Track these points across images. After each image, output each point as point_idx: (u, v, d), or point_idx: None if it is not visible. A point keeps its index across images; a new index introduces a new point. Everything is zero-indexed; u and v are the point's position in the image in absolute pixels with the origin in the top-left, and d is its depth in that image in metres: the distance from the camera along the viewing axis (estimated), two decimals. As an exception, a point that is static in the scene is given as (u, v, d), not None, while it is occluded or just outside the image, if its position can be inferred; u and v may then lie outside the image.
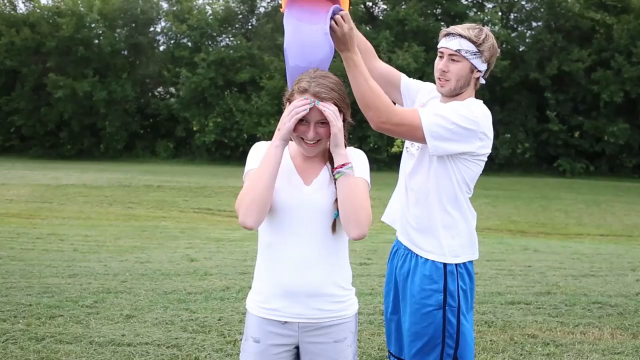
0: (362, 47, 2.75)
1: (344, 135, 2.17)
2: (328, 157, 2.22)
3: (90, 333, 4.38)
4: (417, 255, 2.66)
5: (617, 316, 5.23)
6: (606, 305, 5.57)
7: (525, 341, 4.49)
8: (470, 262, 2.69)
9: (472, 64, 2.62)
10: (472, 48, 2.60)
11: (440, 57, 2.67)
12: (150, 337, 4.34)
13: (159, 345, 4.21)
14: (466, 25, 2.67)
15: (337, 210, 2.16)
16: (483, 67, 2.66)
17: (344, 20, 2.32)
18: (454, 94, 2.67)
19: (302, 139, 2.16)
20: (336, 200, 2.16)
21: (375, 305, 5.33)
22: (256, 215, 2.09)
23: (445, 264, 2.62)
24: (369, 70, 2.67)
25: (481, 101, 2.72)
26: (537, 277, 6.87)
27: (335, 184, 2.16)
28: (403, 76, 2.91)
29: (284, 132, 2.11)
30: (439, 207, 2.63)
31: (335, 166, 2.14)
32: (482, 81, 2.71)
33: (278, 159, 2.12)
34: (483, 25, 2.74)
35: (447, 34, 2.65)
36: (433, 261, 2.62)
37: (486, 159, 2.69)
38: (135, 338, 4.31)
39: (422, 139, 2.53)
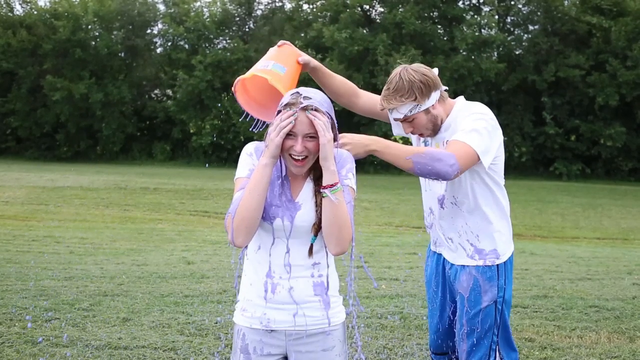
0: (342, 89, 2.83)
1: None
2: (311, 170, 2.17)
3: (87, 336, 4.37)
4: (465, 265, 2.75)
5: (614, 320, 5.23)
6: (603, 308, 5.56)
7: (522, 345, 4.49)
8: (512, 254, 2.80)
9: (425, 109, 2.61)
10: (414, 104, 2.58)
11: (399, 123, 2.67)
12: (147, 341, 4.33)
13: (155, 348, 4.20)
14: (392, 88, 2.56)
15: (314, 235, 2.14)
16: (436, 96, 2.62)
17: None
18: (438, 130, 2.70)
19: (290, 155, 2.10)
20: (315, 223, 2.13)
21: (373, 308, 5.32)
22: (245, 236, 2.09)
23: (497, 266, 2.72)
24: (352, 107, 2.84)
25: (462, 97, 2.77)
26: (533, 281, 6.87)
27: (317, 198, 2.13)
28: None
29: (272, 148, 2.04)
30: (480, 214, 2.71)
31: (323, 185, 2.06)
32: (445, 88, 2.70)
33: (267, 178, 2.06)
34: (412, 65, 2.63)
35: (389, 110, 2.62)
36: (485, 265, 2.71)
37: None
38: (131, 341, 4.30)
39: (478, 161, 2.53)
